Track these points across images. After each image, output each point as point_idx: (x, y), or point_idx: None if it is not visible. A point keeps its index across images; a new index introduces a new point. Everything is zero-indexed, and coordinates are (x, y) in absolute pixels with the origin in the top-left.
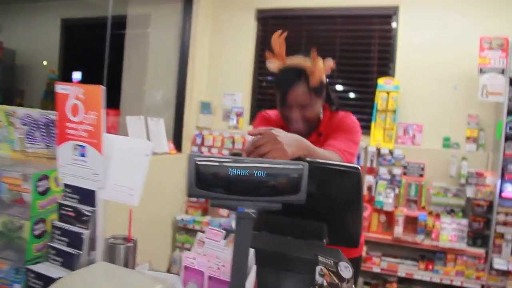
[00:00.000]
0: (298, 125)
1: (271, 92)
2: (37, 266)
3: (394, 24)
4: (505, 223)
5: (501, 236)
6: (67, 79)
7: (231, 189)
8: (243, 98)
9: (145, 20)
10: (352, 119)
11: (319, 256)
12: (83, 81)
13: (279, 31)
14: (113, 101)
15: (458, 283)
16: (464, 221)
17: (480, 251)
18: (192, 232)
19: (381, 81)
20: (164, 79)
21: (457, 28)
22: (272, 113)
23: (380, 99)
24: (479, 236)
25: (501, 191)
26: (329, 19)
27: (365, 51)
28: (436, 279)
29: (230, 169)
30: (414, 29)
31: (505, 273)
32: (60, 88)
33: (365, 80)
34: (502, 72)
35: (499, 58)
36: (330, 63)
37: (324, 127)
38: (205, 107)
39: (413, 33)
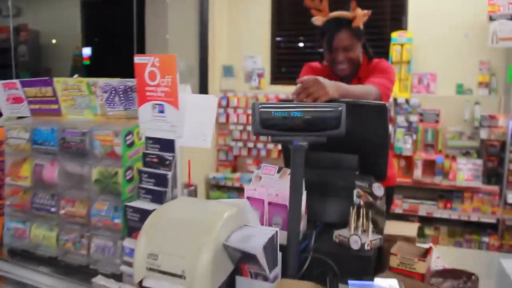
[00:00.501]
0: (343, 66)
1: (289, 52)
2: (133, 202)
3: None
4: None
5: None
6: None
7: (287, 128)
8: (263, 60)
9: None
10: (387, 62)
11: (356, 181)
12: (109, 54)
13: None
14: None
15: (475, 219)
16: (479, 161)
17: (495, 188)
18: (224, 189)
19: (394, 34)
20: (187, 47)
21: None
22: (315, 64)
23: (394, 51)
24: (493, 174)
25: None
26: None
27: (379, 6)
28: (454, 216)
29: (285, 111)
30: None
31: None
32: (138, 59)
33: (379, 34)
34: (511, 18)
35: (508, 5)
36: (366, 12)
37: (362, 72)
38: (228, 71)
39: None
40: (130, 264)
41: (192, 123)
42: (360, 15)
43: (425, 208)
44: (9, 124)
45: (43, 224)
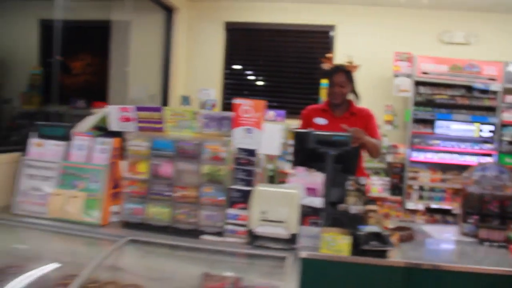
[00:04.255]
0: (337, 96)
1: (236, 88)
2: (233, 186)
3: (332, 37)
4: (413, 178)
5: (411, 187)
6: (48, 73)
7: (328, 144)
8: (215, 92)
9: (126, 26)
10: (372, 113)
11: (349, 177)
12: (65, 76)
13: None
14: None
15: None
16: (387, 179)
17: (398, 198)
18: None
19: (324, 80)
20: (150, 76)
21: (377, 43)
22: (310, 107)
23: (324, 94)
24: (396, 188)
25: (410, 157)
26: (283, 32)
27: (311, 57)
28: None
29: (326, 136)
30: (347, 42)
31: (414, 211)
32: (237, 101)
33: (312, 79)
34: (408, 76)
35: (406, 67)
36: (356, 64)
37: (355, 110)
38: (185, 100)
39: (346, 44)
40: (231, 224)
41: (267, 139)
42: (352, 67)
43: None
44: (132, 136)
45: (158, 204)
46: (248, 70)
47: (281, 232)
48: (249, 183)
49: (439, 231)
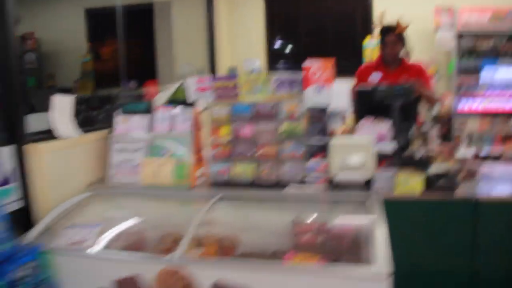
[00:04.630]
0: (390, 55)
1: (279, 56)
2: (310, 140)
3: None
4: (461, 126)
5: (459, 136)
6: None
7: (393, 95)
8: (260, 62)
9: (168, 6)
10: (424, 67)
11: (412, 124)
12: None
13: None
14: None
15: None
16: (435, 126)
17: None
18: None
19: (366, 39)
20: (196, 52)
21: None
22: (365, 64)
23: (367, 53)
24: (446, 137)
25: (456, 107)
26: None
27: (352, 19)
28: None
29: (390, 89)
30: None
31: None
32: (308, 63)
33: (354, 41)
34: (450, 28)
35: (447, 20)
36: (406, 25)
37: (407, 65)
38: (232, 71)
39: (385, 3)
40: (312, 175)
41: (336, 96)
42: (401, 27)
43: None
44: (211, 104)
45: (242, 162)
46: (289, 37)
47: (359, 177)
48: (324, 136)
49: (499, 167)
